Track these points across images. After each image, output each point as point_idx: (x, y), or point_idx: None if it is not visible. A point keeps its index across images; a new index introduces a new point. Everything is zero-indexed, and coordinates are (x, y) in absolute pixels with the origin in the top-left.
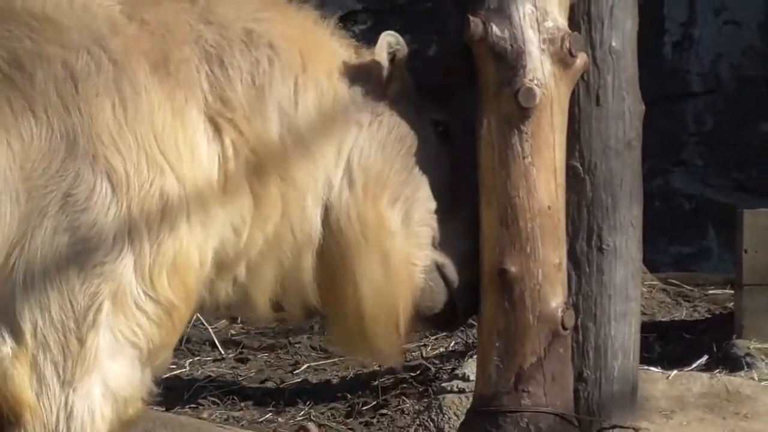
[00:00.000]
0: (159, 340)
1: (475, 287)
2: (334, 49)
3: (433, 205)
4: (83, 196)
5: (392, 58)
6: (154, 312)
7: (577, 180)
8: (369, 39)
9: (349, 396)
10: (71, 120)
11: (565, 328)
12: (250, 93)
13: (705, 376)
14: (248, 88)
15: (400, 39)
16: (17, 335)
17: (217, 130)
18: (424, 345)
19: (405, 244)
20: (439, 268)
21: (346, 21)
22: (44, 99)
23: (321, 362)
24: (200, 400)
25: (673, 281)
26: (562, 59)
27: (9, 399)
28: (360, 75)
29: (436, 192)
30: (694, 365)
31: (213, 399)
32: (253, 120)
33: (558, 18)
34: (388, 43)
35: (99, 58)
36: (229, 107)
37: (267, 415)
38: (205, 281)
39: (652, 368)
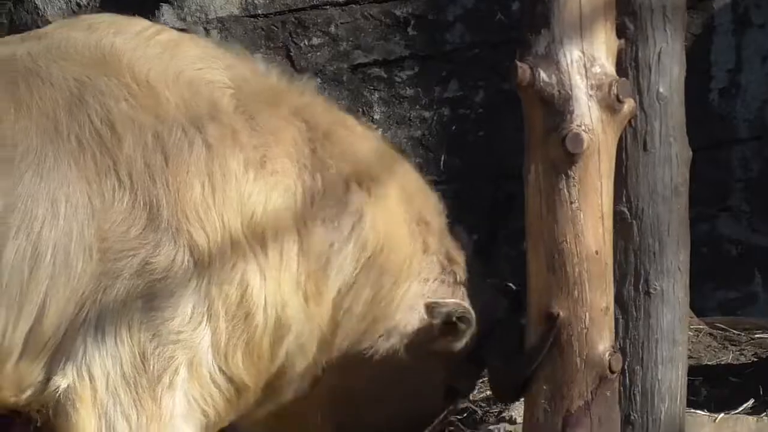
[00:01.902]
0: (224, 413)
1: None
2: (421, 264)
3: None
4: (162, 266)
5: (450, 327)
6: (226, 387)
7: (624, 225)
8: (416, 84)
9: None
10: (156, 191)
11: (612, 372)
12: (324, 242)
13: (752, 419)
14: (324, 237)
15: (472, 319)
16: (84, 378)
17: (300, 247)
18: None
19: None
20: None
21: (393, 67)
22: (130, 164)
23: None
24: None
25: (720, 326)
26: (610, 105)
27: None
28: (422, 318)
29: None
30: (740, 408)
31: None
32: (319, 267)
33: (605, 64)
34: (450, 313)
35: (193, 138)
36: (308, 234)
37: None
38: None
39: (699, 412)
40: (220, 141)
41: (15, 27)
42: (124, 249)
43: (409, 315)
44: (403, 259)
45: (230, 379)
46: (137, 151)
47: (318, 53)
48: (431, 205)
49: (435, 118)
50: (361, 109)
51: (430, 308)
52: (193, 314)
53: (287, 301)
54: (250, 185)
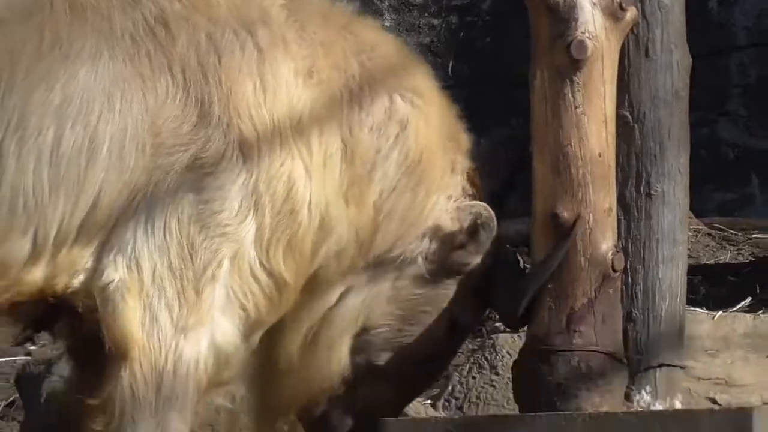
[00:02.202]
0: (264, 311)
1: None
2: (448, 181)
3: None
4: (212, 160)
5: (473, 230)
6: (266, 282)
7: (626, 129)
8: None
9: None
10: (209, 89)
11: (614, 271)
12: (370, 147)
13: (749, 317)
14: (371, 143)
15: (493, 228)
16: (133, 270)
17: (345, 154)
18: None
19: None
20: None
21: None
22: (183, 62)
23: None
24: None
25: (718, 226)
26: (613, 13)
27: (115, 332)
28: (444, 230)
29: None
30: (738, 306)
31: None
32: (364, 171)
33: None
34: (477, 214)
35: (244, 40)
36: (355, 141)
37: None
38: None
39: (698, 309)
40: (271, 46)
41: None
42: (176, 144)
43: (435, 225)
44: (436, 172)
45: (270, 274)
46: (190, 50)
47: None
48: (459, 124)
49: (443, 25)
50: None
51: (460, 209)
52: (240, 208)
53: (331, 202)
54: (299, 90)
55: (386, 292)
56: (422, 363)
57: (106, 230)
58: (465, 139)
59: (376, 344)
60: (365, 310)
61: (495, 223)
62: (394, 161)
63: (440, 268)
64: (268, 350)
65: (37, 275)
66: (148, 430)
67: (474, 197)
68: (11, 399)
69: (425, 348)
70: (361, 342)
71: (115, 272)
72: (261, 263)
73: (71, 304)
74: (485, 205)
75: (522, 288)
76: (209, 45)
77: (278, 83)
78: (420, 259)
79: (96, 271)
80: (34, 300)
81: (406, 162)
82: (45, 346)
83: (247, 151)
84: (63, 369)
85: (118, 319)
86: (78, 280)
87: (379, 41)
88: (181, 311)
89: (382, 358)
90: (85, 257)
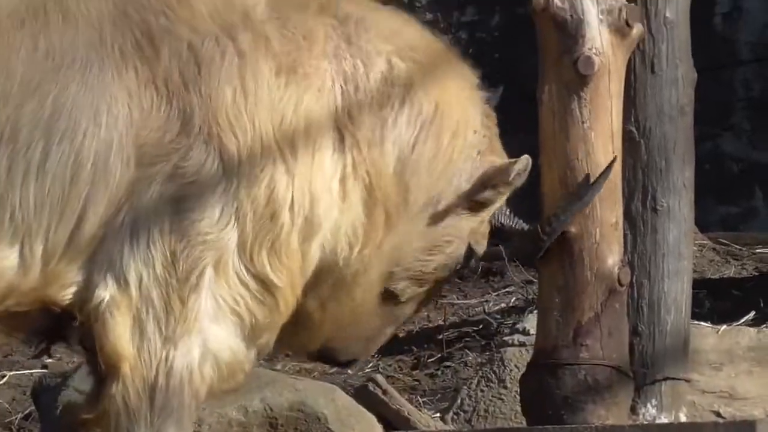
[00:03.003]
0: (262, 317)
1: None
2: (471, 117)
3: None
4: (193, 169)
5: (509, 174)
6: (255, 288)
7: (632, 144)
8: (435, 9)
9: (415, 349)
10: (190, 99)
11: (621, 285)
12: (374, 121)
13: (753, 330)
14: (374, 117)
15: (528, 164)
16: (121, 284)
17: (342, 141)
18: (487, 301)
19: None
20: None
21: None
22: (167, 74)
23: None
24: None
25: (723, 240)
26: (620, 29)
27: (105, 347)
28: (475, 167)
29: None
30: (742, 320)
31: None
32: (372, 146)
33: None
34: (520, 169)
35: (225, 47)
36: (355, 125)
37: (337, 367)
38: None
39: (703, 323)
40: (252, 49)
41: None
42: (159, 154)
43: (469, 163)
44: (456, 115)
45: (257, 279)
46: (173, 61)
47: None
48: (465, 66)
49: (453, 41)
50: None
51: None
52: (221, 216)
53: (318, 198)
54: (281, 90)
55: (417, 230)
56: (431, 288)
57: (94, 243)
58: (475, 80)
59: (396, 275)
60: (397, 252)
61: (527, 163)
62: (405, 122)
63: (467, 204)
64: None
65: (30, 284)
66: None
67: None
68: (28, 411)
69: (439, 273)
70: (385, 274)
71: (105, 290)
72: (246, 268)
73: (73, 316)
74: (526, 156)
75: (540, 233)
76: (190, 55)
77: (259, 85)
78: (453, 197)
79: (86, 286)
80: (38, 309)
81: (420, 116)
82: (61, 359)
83: (228, 159)
84: (79, 381)
85: (109, 335)
86: (70, 293)
87: (362, 13)
88: (168, 322)
89: (400, 285)
90: (73, 271)
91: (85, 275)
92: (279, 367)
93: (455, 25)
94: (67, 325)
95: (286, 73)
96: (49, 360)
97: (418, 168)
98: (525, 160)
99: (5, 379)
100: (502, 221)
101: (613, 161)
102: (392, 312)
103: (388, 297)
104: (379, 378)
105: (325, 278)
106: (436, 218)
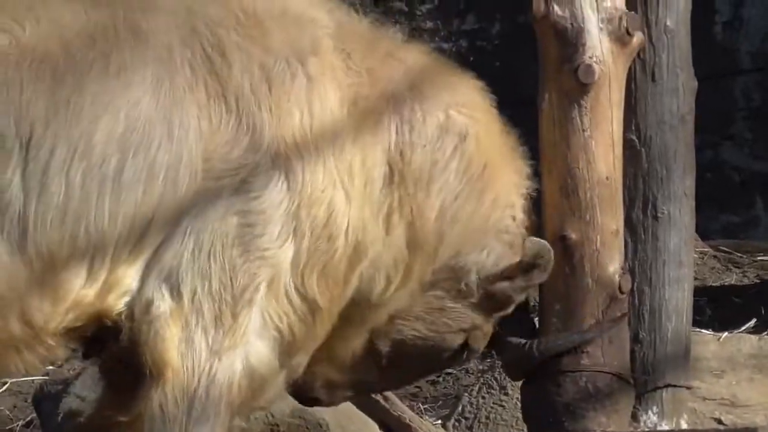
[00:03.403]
0: (300, 335)
1: None
2: (514, 200)
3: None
4: (259, 186)
5: (529, 267)
6: (300, 306)
7: (633, 152)
8: (435, 17)
9: None
10: (261, 116)
11: (621, 292)
12: (425, 164)
13: (754, 338)
14: (425, 159)
15: (550, 265)
16: (176, 297)
17: (392, 177)
18: None
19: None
20: None
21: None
22: (237, 90)
23: None
24: None
25: (724, 248)
26: (620, 38)
27: (154, 354)
28: (504, 251)
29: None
30: (743, 328)
31: None
32: (419, 189)
33: None
34: (538, 252)
35: (295, 70)
36: (405, 162)
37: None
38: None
39: (704, 330)
40: (320, 74)
41: None
42: (226, 168)
43: (499, 245)
44: (501, 182)
45: (304, 298)
46: (245, 78)
47: None
48: (516, 144)
49: (453, 49)
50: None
51: (524, 240)
52: (280, 232)
53: (367, 226)
54: (344, 118)
55: (425, 298)
56: (417, 363)
57: (151, 249)
58: (523, 160)
59: (388, 333)
60: (397, 304)
61: (550, 267)
62: (454, 171)
63: (482, 291)
64: None
65: (92, 297)
66: None
67: (529, 224)
68: (29, 418)
69: (428, 353)
70: (379, 329)
71: (162, 300)
72: (296, 287)
73: (117, 326)
74: (548, 245)
75: (534, 351)
76: (262, 74)
77: (324, 112)
78: (473, 275)
79: (141, 294)
80: (90, 324)
81: (469, 170)
82: (62, 366)
83: (292, 177)
84: (80, 388)
85: (159, 343)
86: (124, 301)
87: (426, 63)
88: (217, 334)
89: (386, 347)
90: (130, 276)
91: (140, 283)
92: None
93: (456, 33)
94: (109, 337)
95: (348, 104)
96: (50, 367)
97: (455, 219)
98: (545, 251)
99: (6, 386)
100: (501, 327)
101: (623, 316)
102: (364, 370)
103: (372, 353)
104: None
105: (360, 309)
106: (448, 293)
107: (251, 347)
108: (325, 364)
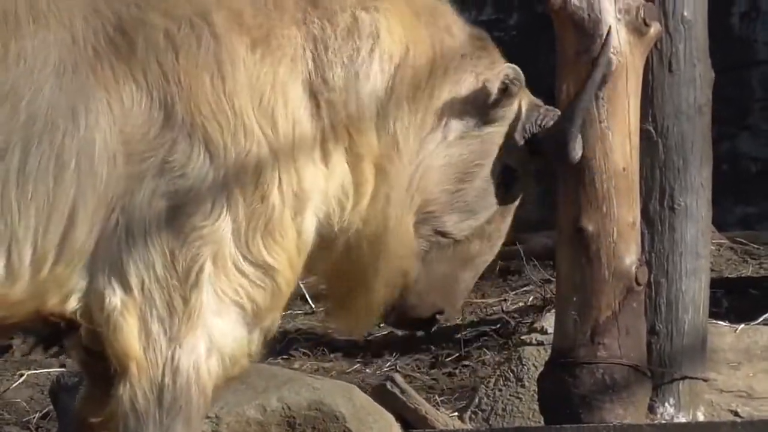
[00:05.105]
0: (263, 301)
1: None
2: (448, 45)
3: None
4: (180, 163)
5: (504, 88)
6: (254, 274)
7: (650, 143)
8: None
9: (433, 348)
10: (170, 89)
11: (638, 284)
12: (348, 77)
13: None
14: (346, 73)
15: (520, 75)
16: (126, 288)
17: (317, 107)
18: (504, 300)
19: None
20: None
21: None
22: (144, 66)
23: None
24: (292, 352)
25: (740, 240)
26: (637, 28)
27: (117, 350)
28: (466, 92)
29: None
30: (760, 319)
31: (304, 350)
32: (349, 103)
33: None
34: (506, 74)
35: (201, 31)
36: (328, 87)
37: (355, 366)
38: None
39: (720, 322)
40: (226, 29)
41: None
42: (146, 150)
43: (458, 88)
44: (430, 51)
45: (255, 265)
46: (150, 52)
47: None
48: (448, 12)
49: None
50: None
51: (488, 77)
52: (213, 207)
53: (301, 171)
54: (258, 66)
55: (436, 163)
56: (486, 218)
57: (89, 245)
58: (450, 11)
59: (437, 212)
60: (415, 188)
61: (522, 76)
62: (377, 70)
63: (482, 123)
64: (342, 254)
65: (20, 295)
66: None
67: (491, 60)
68: (45, 410)
69: (486, 199)
70: (423, 215)
71: (115, 295)
72: (243, 256)
73: (75, 323)
74: (509, 64)
75: (567, 120)
76: (167, 42)
77: (236, 67)
78: (458, 124)
79: (92, 291)
80: (33, 320)
81: (393, 62)
82: None
83: (213, 147)
84: None
85: (120, 338)
86: (74, 300)
87: None
88: (172, 322)
89: (448, 222)
90: (73, 277)
91: (88, 280)
92: (297, 366)
93: (473, 23)
94: (65, 333)
95: (261, 46)
96: (68, 359)
97: (400, 105)
98: (508, 71)
99: (23, 378)
100: (533, 131)
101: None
102: (456, 254)
103: (442, 237)
104: (397, 377)
105: (335, 243)
106: (454, 145)
107: (212, 328)
108: (400, 296)
